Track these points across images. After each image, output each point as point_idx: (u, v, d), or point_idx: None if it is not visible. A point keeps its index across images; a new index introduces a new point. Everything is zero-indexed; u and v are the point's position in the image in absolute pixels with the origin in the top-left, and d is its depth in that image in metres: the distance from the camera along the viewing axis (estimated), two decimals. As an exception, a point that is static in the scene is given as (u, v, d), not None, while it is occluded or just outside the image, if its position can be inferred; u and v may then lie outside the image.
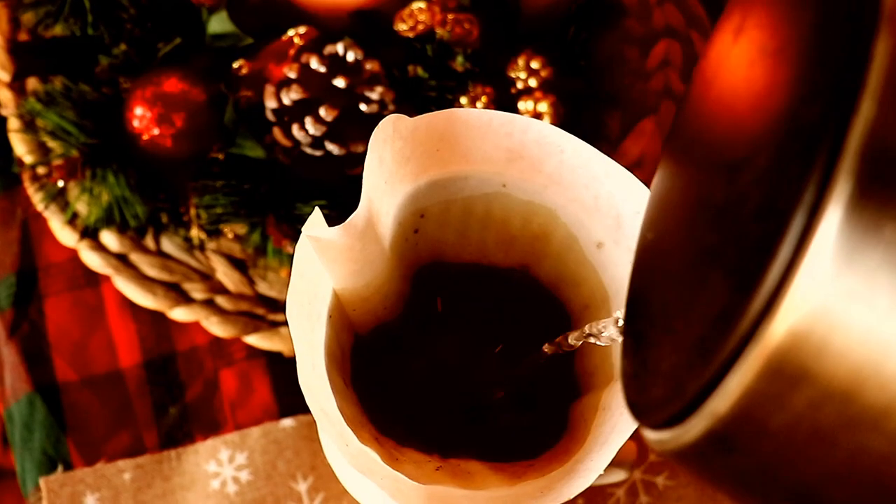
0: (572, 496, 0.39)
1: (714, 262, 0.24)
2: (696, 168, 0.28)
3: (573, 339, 0.41)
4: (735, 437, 0.21)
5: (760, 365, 0.20)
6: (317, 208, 0.39)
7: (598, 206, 0.44)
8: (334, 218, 0.40)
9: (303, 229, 0.39)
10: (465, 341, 0.48)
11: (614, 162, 0.43)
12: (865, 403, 0.20)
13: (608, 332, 0.39)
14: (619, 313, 0.37)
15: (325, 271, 0.41)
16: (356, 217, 0.40)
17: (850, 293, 0.19)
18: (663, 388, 0.24)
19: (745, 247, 0.22)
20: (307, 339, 0.40)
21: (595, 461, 0.40)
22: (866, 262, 0.19)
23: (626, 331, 0.30)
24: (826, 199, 0.19)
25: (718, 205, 0.25)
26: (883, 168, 0.18)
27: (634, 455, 0.57)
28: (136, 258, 0.71)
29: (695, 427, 0.22)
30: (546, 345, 0.43)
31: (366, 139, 0.61)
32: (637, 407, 0.26)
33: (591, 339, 0.40)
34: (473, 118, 0.43)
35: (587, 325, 0.40)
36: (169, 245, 0.71)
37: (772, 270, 0.19)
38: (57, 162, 0.68)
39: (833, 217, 0.19)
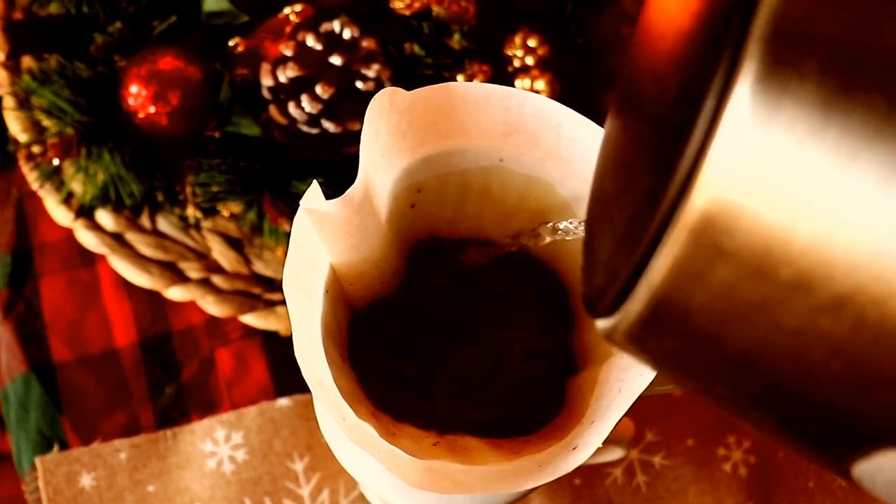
0: (570, 470, 0.39)
1: (640, 149, 0.25)
2: (637, 61, 0.29)
3: (544, 230, 0.42)
4: (663, 318, 0.22)
5: (681, 244, 0.21)
6: (315, 181, 0.39)
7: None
8: (331, 195, 0.39)
9: (301, 202, 0.39)
10: (461, 317, 0.48)
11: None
12: (776, 280, 0.20)
13: (575, 227, 0.40)
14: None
15: (322, 245, 0.41)
16: (354, 190, 0.40)
17: (757, 172, 0.20)
18: (603, 276, 0.25)
19: (666, 132, 0.23)
20: (304, 312, 0.40)
21: (592, 435, 0.40)
22: (769, 141, 0.20)
23: (585, 227, 0.31)
24: (733, 81, 0.20)
25: (646, 98, 0.26)
26: (783, 52, 0.19)
27: (632, 433, 0.57)
28: (132, 237, 0.71)
29: (629, 311, 0.23)
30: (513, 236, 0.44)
31: (362, 117, 0.61)
32: (587, 298, 0.27)
33: (559, 235, 0.41)
34: (471, 92, 0.43)
35: (556, 222, 0.42)
36: (165, 224, 0.71)
37: (687, 150, 0.20)
38: (52, 140, 0.68)
39: (739, 98, 0.20)
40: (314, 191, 0.39)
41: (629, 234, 0.23)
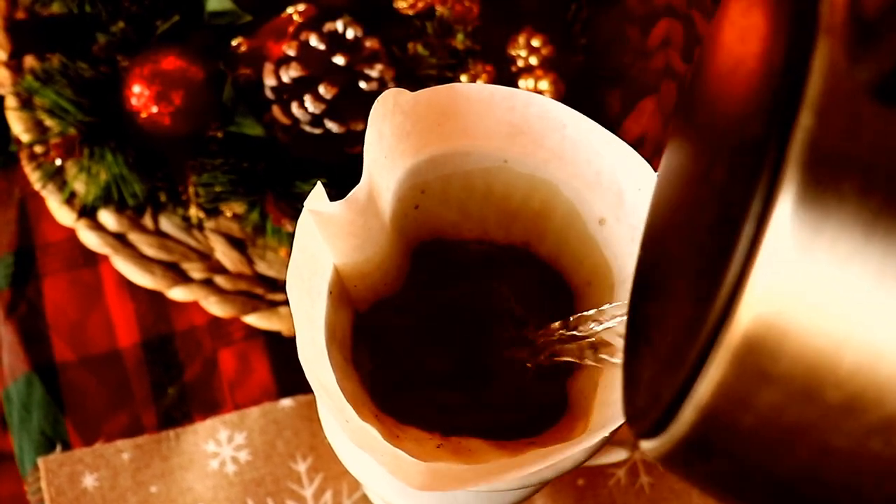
0: (577, 464, 0.39)
1: (681, 273, 0.25)
2: (675, 180, 0.29)
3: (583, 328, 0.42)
4: (709, 441, 0.22)
5: (723, 370, 0.21)
6: (319, 183, 0.39)
7: (600, 182, 0.44)
8: (334, 196, 0.39)
9: (305, 203, 0.39)
10: (465, 318, 0.48)
11: (617, 137, 0.43)
12: (825, 403, 0.20)
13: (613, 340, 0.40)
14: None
15: (326, 246, 0.41)
16: (358, 191, 0.40)
17: (800, 296, 0.20)
18: (645, 398, 0.25)
19: (705, 257, 0.23)
20: (307, 314, 0.40)
21: (597, 437, 0.40)
22: (811, 264, 0.19)
23: (625, 342, 0.31)
24: (771, 208, 0.20)
25: (684, 219, 0.26)
26: (822, 175, 0.19)
27: (635, 434, 0.57)
28: (135, 237, 0.71)
29: (674, 434, 0.23)
30: (558, 323, 0.43)
31: (365, 117, 0.60)
32: (629, 417, 0.27)
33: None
34: (475, 93, 0.43)
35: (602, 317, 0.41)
36: (167, 224, 0.71)
37: (727, 279, 0.20)
38: (54, 140, 0.68)
39: (779, 222, 0.20)
40: (318, 192, 0.39)
41: (671, 358, 0.23)
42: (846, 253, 0.19)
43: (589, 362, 0.43)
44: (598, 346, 0.42)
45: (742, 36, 0.24)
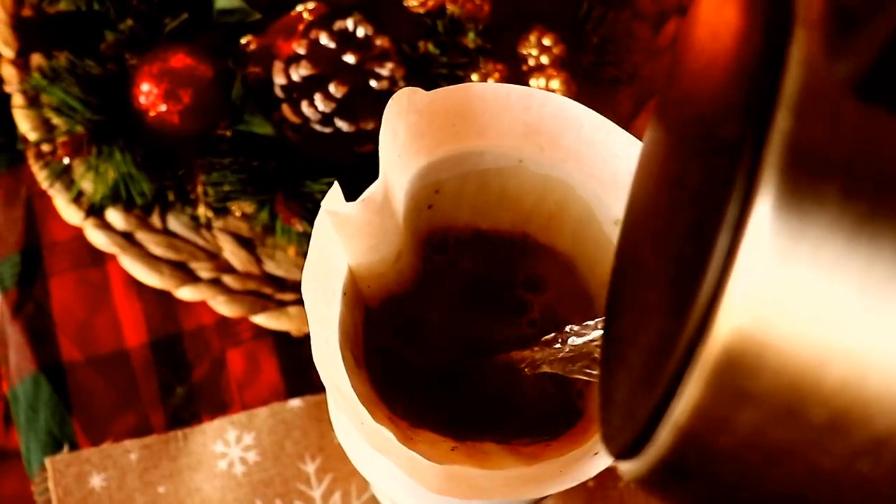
0: (592, 475, 0.39)
1: (654, 284, 0.24)
2: (648, 185, 0.28)
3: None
4: (687, 463, 0.21)
5: (700, 389, 0.19)
6: (335, 183, 0.39)
7: (616, 182, 0.43)
8: (345, 195, 0.39)
9: (322, 204, 0.39)
10: (477, 316, 0.47)
11: (633, 137, 0.42)
12: (808, 422, 0.19)
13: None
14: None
15: (341, 247, 0.40)
16: (375, 191, 0.39)
17: (780, 307, 0.19)
18: (621, 418, 0.24)
19: (679, 267, 0.22)
20: (322, 315, 0.40)
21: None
22: (792, 276, 0.18)
23: (601, 358, 0.30)
24: (748, 214, 0.18)
25: (658, 226, 0.25)
26: (801, 179, 0.18)
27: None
28: (142, 237, 0.70)
29: (650, 455, 0.21)
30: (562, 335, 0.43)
31: (376, 116, 0.60)
32: (605, 437, 0.26)
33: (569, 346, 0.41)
34: (490, 92, 0.42)
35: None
36: (175, 223, 0.71)
37: (702, 290, 0.19)
38: (62, 139, 0.68)
39: (756, 231, 0.18)
40: (335, 192, 0.39)
41: (646, 376, 0.22)
42: (829, 261, 0.18)
43: (576, 375, 0.42)
44: (583, 358, 0.41)
45: (715, 32, 0.23)
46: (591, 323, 0.41)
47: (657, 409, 0.21)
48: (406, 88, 0.41)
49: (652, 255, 0.25)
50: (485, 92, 0.42)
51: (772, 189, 0.18)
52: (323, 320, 0.40)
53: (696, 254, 0.20)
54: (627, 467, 0.22)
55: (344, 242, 0.40)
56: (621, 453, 0.23)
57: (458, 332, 0.47)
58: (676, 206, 0.23)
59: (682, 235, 0.22)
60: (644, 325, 0.24)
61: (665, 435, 0.20)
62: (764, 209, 0.18)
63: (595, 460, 0.39)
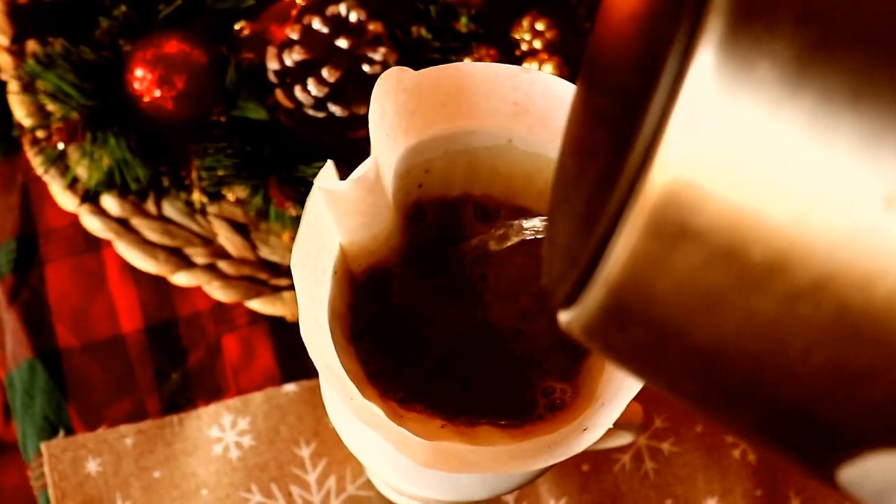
0: (580, 450, 0.39)
1: (599, 124, 0.23)
2: (601, 29, 0.26)
3: (511, 231, 0.41)
4: (626, 308, 0.20)
5: (640, 225, 0.19)
6: (329, 161, 0.39)
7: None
8: (339, 178, 0.39)
9: (315, 181, 0.39)
10: (464, 291, 0.47)
11: (622, 116, 0.42)
12: (749, 261, 0.18)
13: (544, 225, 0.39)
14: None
15: (333, 225, 0.40)
16: (368, 169, 0.39)
17: (724, 144, 0.18)
18: (561, 263, 0.23)
19: (625, 102, 0.21)
20: (312, 293, 0.40)
21: (602, 417, 0.39)
22: (737, 108, 0.17)
23: (549, 205, 0.28)
24: (696, 42, 0.17)
25: (607, 66, 0.24)
26: (753, 4, 0.17)
27: (641, 417, 0.57)
28: (138, 222, 0.70)
29: (589, 301, 0.20)
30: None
31: (368, 100, 0.60)
32: (547, 287, 0.24)
33: (526, 234, 0.41)
34: (480, 72, 0.43)
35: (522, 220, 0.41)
36: (170, 209, 0.71)
37: (646, 122, 0.18)
38: (57, 125, 0.68)
39: (703, 59, 0.17)
40: (328, 170, 0.39)
41: (586, 216, 0.21)
42: (776, 95, 0.17)
43: (514, 239, 0.42)
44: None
45: None
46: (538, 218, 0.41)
47: (596, 251, 0.20)
48: (395, 68, 0.41)
49: (600, 95, 0.24)
50: (474, 71, 0.42)
51: (721, 15, 0.17)
52: (312, 297, 0.40)
53: (642, 86, 0.19)
54: (569, 316, 0.21)
55: (336, 220, 0.40)
56: (562, 301, 0.22)
57: (443, 311, 0.47)
58: (625, 40, 0.23)
59: (628, 69, 0.21)
60: (588, 164, 0.23)
61: (603, 277, 0.20)
62: (712, 37, 0.17)
63: (584, 436, 0.39)
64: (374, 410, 0.38)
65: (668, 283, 0.19)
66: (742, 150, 0.18)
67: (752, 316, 0.19)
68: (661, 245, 0.19)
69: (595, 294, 0.20)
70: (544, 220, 0.40)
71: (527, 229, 0.41)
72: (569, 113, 0.28)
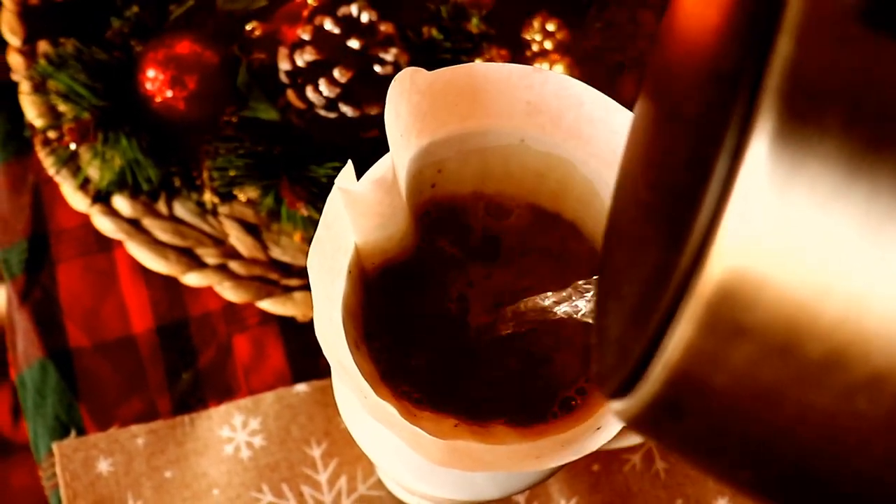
0: (594, 449, 0.39)
1: (650, 218, 0.23)
2: (646, 124, 0.27)
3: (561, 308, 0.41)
4: (681, 400, 0.20)
5: (694, 323, 0.19)
6: (349, 161, 0.39)
7: (617, 160, 0.43)
8: (351, 179, 0.39)
9: (335, 181, 0.39)
10: (477, 290, 0.47)
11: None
12: (805, 358, 0.19)
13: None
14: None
15: (349, 225, 0.41)
16: (386, 170, 0.40)
17: (777, 240, 0.18)
18: (613, 356, 0.23)
19: (675, 199, 0.21)
20: (326, 291, 0.40)
21: (612, 419, 0.40)
22: (789, 204, 0.18)
23: (596, 296, 0.29)
24: (746, 143, 0.18)
25: (655, 159, 0.24)
26: (802, 106, 0.18)
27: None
28: (149, 223, 0.71)
29: (643, 393, 0.21)
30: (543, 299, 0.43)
31: (380, 101, 0.61)
32: (598, 376, 0.25)
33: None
34: (493, 72, 0.43)
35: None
36: (181, 210, 0.71)
37: (697, 222, 0.19)
38: (68, 125, 0.68)
39: (755, 158, 0.18)
40: (348, 171, 0.39)
41: (640, 311, 0.21)
42: (828, 193, 0.18)
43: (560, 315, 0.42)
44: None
45: None
46: (580, 283, 0.41)
47: (650, 345, 0.20)
48: (409, 69, 0.41)
49: (648, 189, 0.24)
50: (487, 71, 0.43)
51: (771, 116, 0.18)
52: (327, 296, 0.40)
53: (693, 184, 0.19)
54: (621, 406, 0.22)
55: (353, 220, 0.40)
56: (615, 392, 0.22)
57: (458, 309, 0.47)
58: (673, 138, 0.23)
59: (678, 167, 0.22)
60: (639, 258, 0.23)
61: (658, 371, 0.20)
62: (763, 137, 0.18)
63: (597, 435, 0.40)
64: (388, 409, 0.38)
65: (722, 378, 0.20)
66: (795, 244, 0.18)
67: (809, 409, 0.19)
68: (716, 340, 0.19)
69: (649, 388, 0.21)
70: (556, 299, 0.41)
71: (543, 307, 0.41)
72: (612, 204, 0.29)
